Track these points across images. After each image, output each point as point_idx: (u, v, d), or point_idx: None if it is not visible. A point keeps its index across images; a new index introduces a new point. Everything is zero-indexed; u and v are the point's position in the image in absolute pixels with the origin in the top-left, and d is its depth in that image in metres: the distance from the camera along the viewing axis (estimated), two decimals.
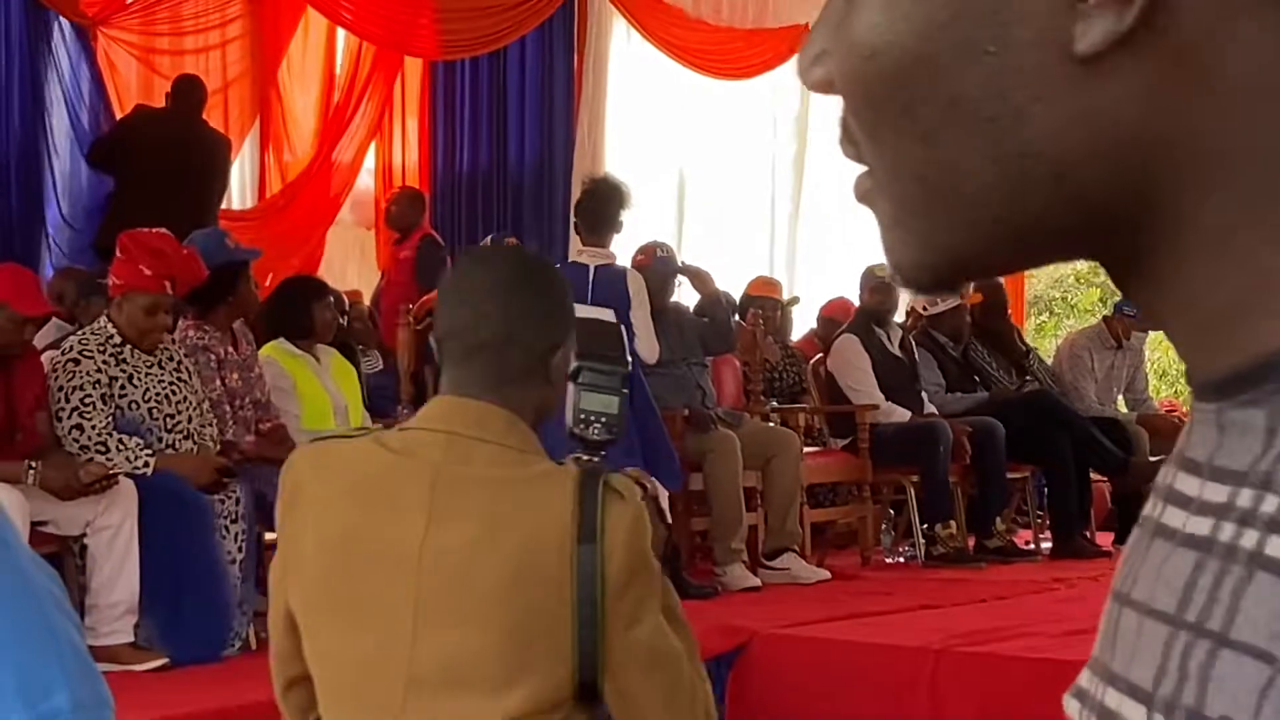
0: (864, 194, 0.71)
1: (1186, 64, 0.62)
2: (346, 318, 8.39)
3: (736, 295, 9.61)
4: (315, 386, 6.93)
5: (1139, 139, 0.64)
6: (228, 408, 6.54)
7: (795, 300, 10.55)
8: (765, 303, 9.51)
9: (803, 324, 10.75)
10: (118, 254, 6.11)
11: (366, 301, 9.90)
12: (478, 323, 2.25)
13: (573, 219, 7.63)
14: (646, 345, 7.14)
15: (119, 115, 9.64)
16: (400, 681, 2.16)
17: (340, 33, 10.99)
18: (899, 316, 9.55)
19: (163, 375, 6.13)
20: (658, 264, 7.90)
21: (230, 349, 6.66)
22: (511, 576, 2.14)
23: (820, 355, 9.45)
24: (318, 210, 10.84)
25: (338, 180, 10.99)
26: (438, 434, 2.21)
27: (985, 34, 0.64)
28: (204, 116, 9.47)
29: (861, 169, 0.71)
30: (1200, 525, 0.65)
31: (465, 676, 2.15)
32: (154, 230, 6.18)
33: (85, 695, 1.07)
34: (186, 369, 6.27)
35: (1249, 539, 0.62)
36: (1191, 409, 0.69)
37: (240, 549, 6.12)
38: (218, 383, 6.53)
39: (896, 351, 9.07)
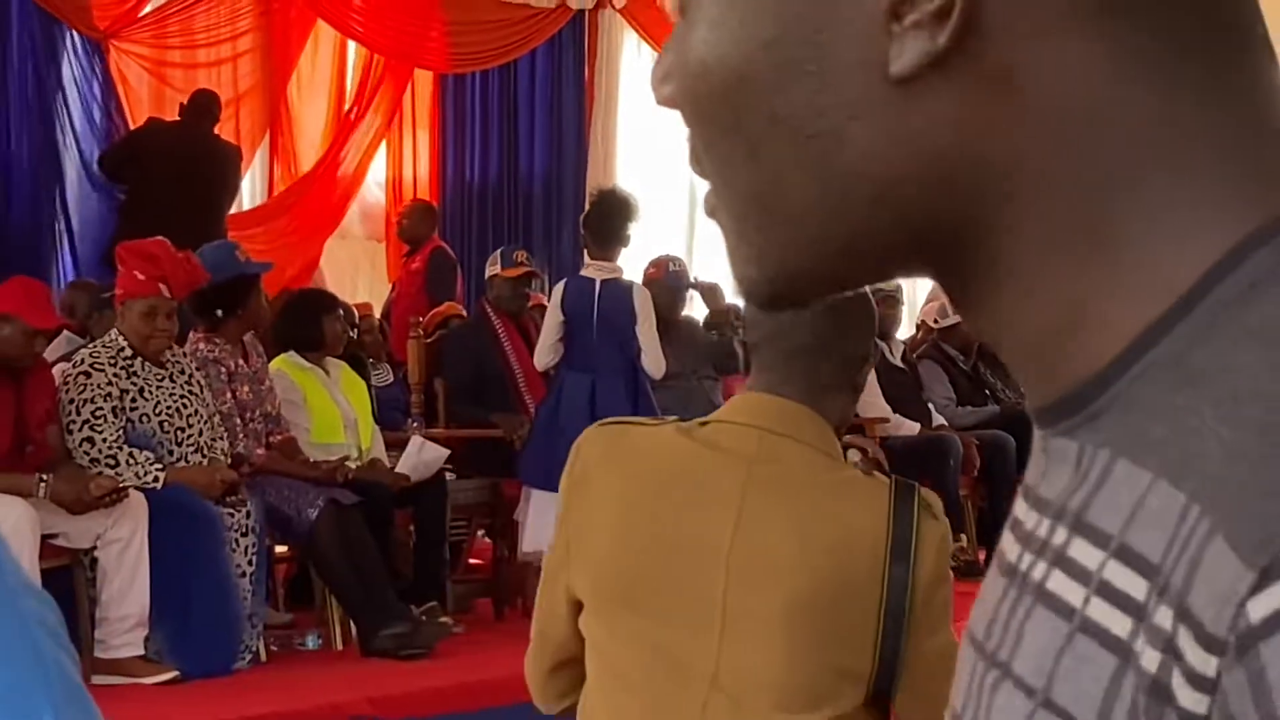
0: (711, 210, 0.71)
1: (1000, 87, 0.62)
2: (357, 330, 8.39)
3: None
4: (325, 399, 6.94)
5: (956, 162, 0.64)
6: (238, 420, 6.55)
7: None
8: None
9: None
10: (118, 267, 6.15)
11: (377, 314, 9.91)
12: (797, 328, 2.22)
13: (581, 232, 7.62)
14: (653, 360, 7.14)
15: (131, 127, 9.66)
16: (704, 682, 2.13)
17: (350, 45, 11.01)
18: (905, 332, 9.55)
19: (174, 389, 6.13)
20: (669, 278, 7.90)
21: (241, 362, 6.67)
22: (821, 584, 2.12)
23: None
24: (319, 218, 10.85)
25: (340, 190, 11.00)
26: (749, 429, 2.18)
27: (806, 53, 0.64)
28: (216, 130, 9.50)
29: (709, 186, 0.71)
30: (1013, 551, 0.66)
31: (769, 684, 2.12)
32: (150, 239, 6.21)
33: (68, 711, 1.04)
34: (197, 382, 6.27)
35: (1039, 571, 0.63)
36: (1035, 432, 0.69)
37: (251, 562, 6.12)
38: (228, 396, 6.54)
39: (899, 364, 9.07)
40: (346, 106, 11.03)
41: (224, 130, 9.73)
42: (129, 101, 9.95)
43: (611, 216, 7.38)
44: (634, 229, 7.31)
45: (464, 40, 11.19)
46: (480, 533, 8.49)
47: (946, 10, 0.61)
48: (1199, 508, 0.55)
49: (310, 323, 7.02)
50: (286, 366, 6.96)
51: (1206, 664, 0.53)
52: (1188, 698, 0.54)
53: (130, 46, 10.03)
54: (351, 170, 11.05)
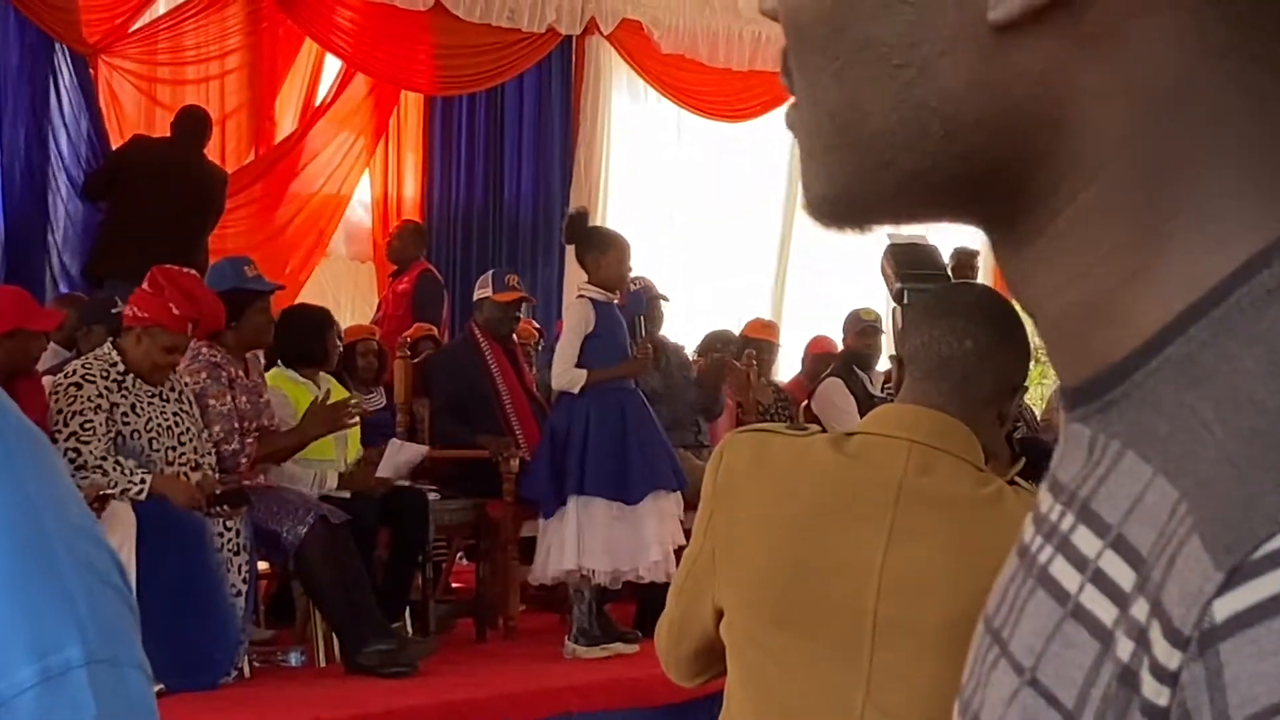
0: (791, 124, 0.73)
1: (1092, 52, 0.63)
2: (356, 354, 8.42)
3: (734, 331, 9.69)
4: None
5: (1033, 117, 0.65)
6: (235, 424, 6.56)
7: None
8: (761, 344, 9.55)
9: (788, 364, 10.80)
10: (144, 286, 6.11)
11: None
12: (959, 338, 2.18)
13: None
14: (558, 371, 7.17)
15: (118, 143, 9.65)
16: (856, 699, 2.09)
17: (334, 65, 11.02)
18: (883, 364, 9.58)
19: (165, 407, 6.13)
20: (631, 298, 7.94)
21: (240, 373, 6.68)
22: (975, 600, 2.08)
23: (807, 401, 9.49)
24: (305, 237, 10.87)
25: (327, 211, 11.02)
26: (899, 441, 2.14)
27: None
28: (204, 149, 9.50)
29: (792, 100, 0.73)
30: (1029, 533, 0.68)
31: (920, 700, 2.07)
32: (183, 270, 6.21)
33: (101, 650, 1.04)
34: (188, 399, 6.28)
35: (1045, 554, 0.65)
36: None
37: (244, 580, 6.13)
38: (228, 398, 6.54)
39: (879, 395, 9.10)
40: (330, 127, 11.01)
41: (210, 147, 9.73)
42: (118, 117, 9.96)
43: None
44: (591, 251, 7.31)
45: (452, 63, 11.22)
46: (459, 555, 8.50)
47: None
48: (1186, 506, 0.57)
49: (314, 338, 7.05)
50: (280, 381, 6.98)
51: (1170, 658, 0.55)
52: (1151, 689, 0.56)
53: (119, 62, 10.04)
54: (338, 190, 11.06)
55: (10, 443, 1.05)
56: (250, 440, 6.59)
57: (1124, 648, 0.57)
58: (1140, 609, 0.57)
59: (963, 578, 2.06)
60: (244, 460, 6.55)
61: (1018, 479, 2.19)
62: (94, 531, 1.09)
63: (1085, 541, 0.62)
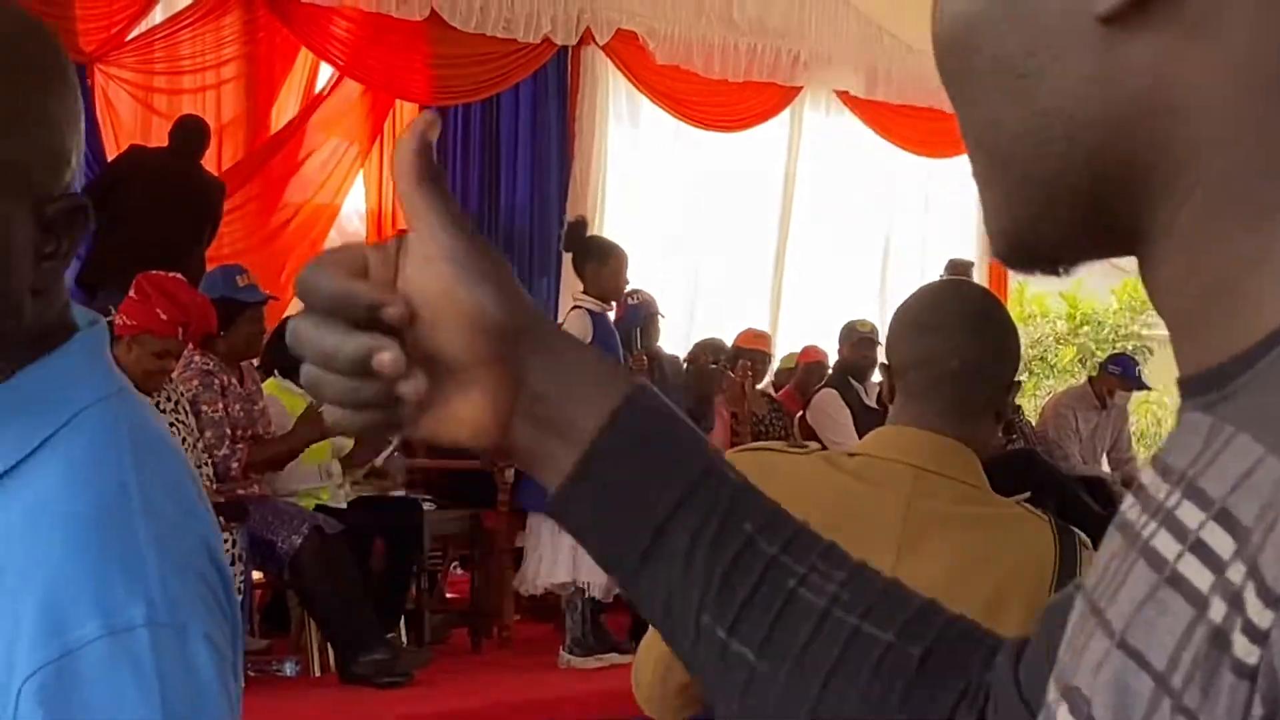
0: (974, 174, 0.76)
1: (1200, 38, 0.66)
2: None
3: (726, 342, 9.70)
4: None
5: (1147, 108, 0.67)
6: (227, 431, 6.56)
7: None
8: (754, 355, 9.56)
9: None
10: (132, 294, 6.10)
11: None
12: (948, 352, 2.18)
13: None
14: None
15: (114, 153, 9.65)
16: None
17: (329, 74, 11.02)
18: (879, 376, 9.57)
19: (161, 417, 6.12)
20: (629, 311, 7.94)
21: (234, 380, 6.68)
22: (984, 619, 2.10)
23: (802, 413, 9.49)
24: (299, 241, 10.87)
25: (321, 219, 11.02)
26: (903, 466, 2.14)
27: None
28: (201, 160, 9.50)
29: None
30: (1133, 513, 0.69)
31: None
32: (169, 275, 6.19)
33: (166, 616, 1.15)
34: (184, 409, 6.28)
35: (1149, 530, 0.66)
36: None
37: (239, 589, 6.12)
38: (220, 406, 6.54)
39: (874, 406, 9.11)
40: (326, 137, 11.01)
41: (207, 158, 9.73)
42: (114, 125, 9.95)
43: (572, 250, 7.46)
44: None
45: (447, 73, 11.22)
46: (454, 565, 8.51)
47: None
48: None
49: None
50: (278, 391, 6.99)
51: (1263, 617, 0.56)
52: (1242, 648, 0.57)
53: (116, 71, 10.04)
54: (331, 200, 11.06)
55: (124, 445, 1.23)
56: (241, 446, 6.59)
57: (1217, 610, 0.59)
58: (1236, 572, 0.58)
59: (973, 595, 2.06)
60: (235, 465, 6.54)
61: (1025, 505, 2.20)
62: (188, 526, 1.23)
63: (1188, 514, 0.63)
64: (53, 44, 1.29)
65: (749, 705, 0.95)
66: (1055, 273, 0.75)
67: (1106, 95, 0.68)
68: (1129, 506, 0.71)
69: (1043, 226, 0.73)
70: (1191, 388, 0.69)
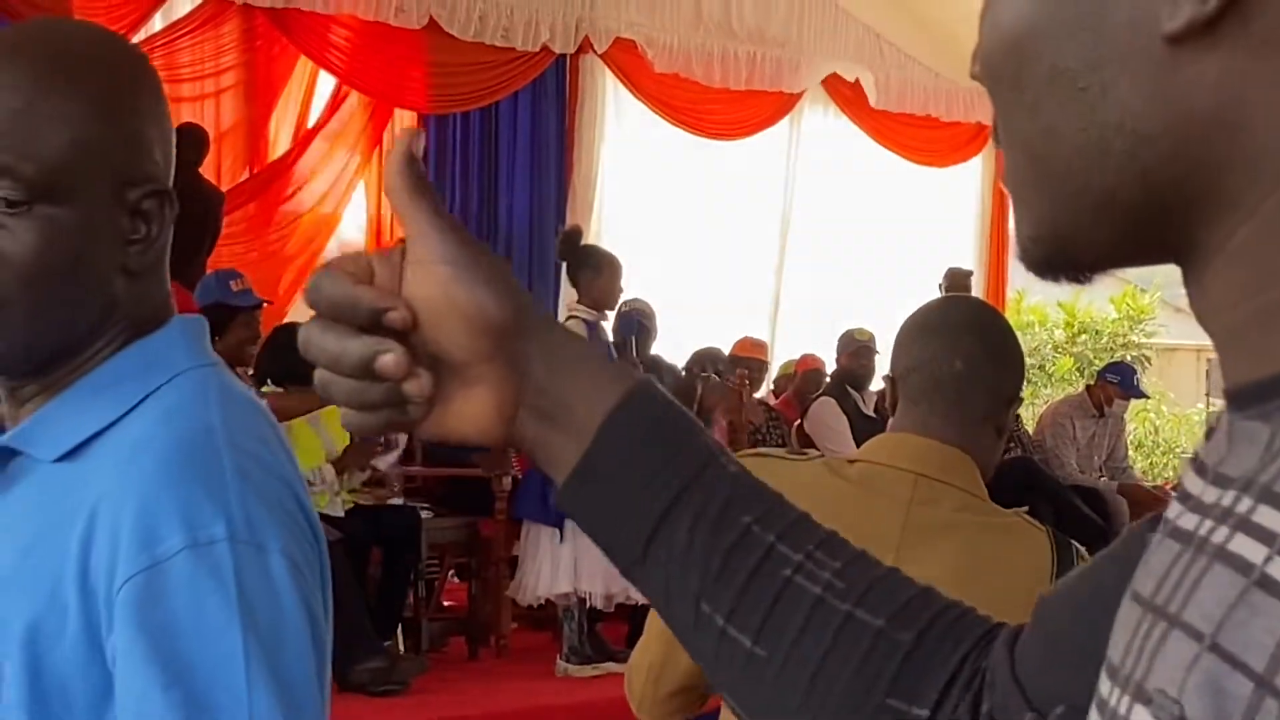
0: (1004, 177, 0.78)
1: (1262, 60, 0.67)
2: None
3: (724, 351, 9.69)
4: (308, 433, 6.95)
5: (1210, 126, 0.68)
6: None
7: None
8: (751, 363, 9.56)
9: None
10: None
11: None
12: (951, 355, 2.19)
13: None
14: None
15: None
16: None
17: (329, 83, 11.02)
18: (876, 384, 9.57)
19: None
20: (622, 321, 7.96)
21: None
22: None
23: (800, 421, 9.49)
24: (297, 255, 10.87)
25: (321, 229, 11.02)
26: (904, 473, 2.16)
27: (1086, 9, 0.70)
28: (200, 168, 9.50)
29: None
30: (1189, 521, 0.70)
31: None
32: None
33: (246, 534, 1.31)
34: None
35: (1220, 535, 0.67)
36: (1221, 413, 0.73)
37: None
38: None
39: (872, 414, 9.11)
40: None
41: (206, 166, 9.73)
42: None
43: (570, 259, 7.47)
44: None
45: (446, 81, 11.22)
46: (451, 573, 8.50)
47: None
48: None
49: (300, 356, 7.04)
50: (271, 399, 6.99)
51: None
52: None
53: None
54: (332, 209, 11.06)
55: (212, 397, 1.41)
56: None
57: None
58: None
59: (970, 601, 2.07)
60: None
61: (1024, 515, 2.20)
62: (269, 463, 1.39)
63: (1270, 519, 0.64)
64: (138, 53, 1.50)
65: (748, 691, 0.98)
66: (1081, 280, 0.77)
67: (1170, 113, 0.69)
68: (1177, 515, 0.72)
69: (1090, 236, 0.74)
70: (1244, 398, 0.70)
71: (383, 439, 7.85)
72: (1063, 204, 0.73)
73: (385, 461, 7.51)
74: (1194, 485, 0.71)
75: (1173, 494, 0.76)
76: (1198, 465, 0.72)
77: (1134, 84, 0.69)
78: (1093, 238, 0.74)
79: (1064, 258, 0.76)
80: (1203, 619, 0.65)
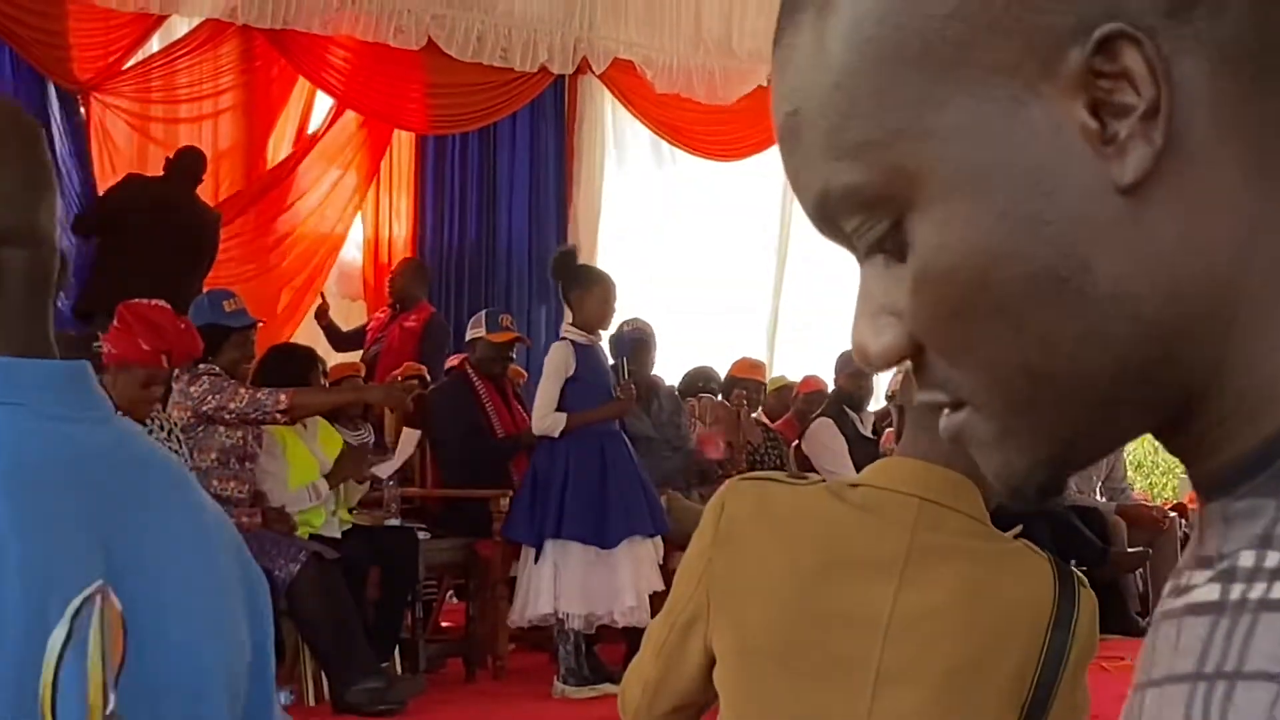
0: (957, 431, 0.75)
1: (1218, 191, 0.67)
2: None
3: (722, 372, 9.69)
4: (303, 452, 6.95)
5: (1188, 269, 0.67)
6: (223, 429, 6.61)
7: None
8: (749, 384, 9.55)
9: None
10: (114, 323, 6.08)
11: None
12: None
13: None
14: (538, 415, 7.19)
15: (111, 181, 9.64)
16: None
17: (326, 104, 11.03)
18: (876, 404, 9.57)
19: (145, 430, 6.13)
20: (618, 338, 7.96)
21: None
22: (979, 654, 2.10)
23: (798, 442, 9.48)
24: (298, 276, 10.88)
25: (323, 250, 11.02)
26: (908, 497, 2.15)
27: (1038, 207, 0.68)
28: (197, 189, 9.50)
29: (953, 419, 0.76)
30: (1210, 593, 0.69)
31: None
32: (152, 302, 6.16)
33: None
34: (177, 438, 6.27)
35: (1257, 590, 0.66)
36: (1200, 513, 0.72)
37: None
38: (242, 393, 6.59)
39: (869, 435, 9.11)
40: (323, 166, 11.01)
41: (204, 187, 9.73)
42: (110, 154, 9.96)
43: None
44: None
45: (445, 102, 11.24)
46: (449, 594, 8.49)
47: (1154, 109, 0.66)
48: None
49: (298, 376, 7.05)
50: None
51: None
52: None
53: (113, 100, 10.05)
54: (332, 230, 11.06)
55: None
56: (234, 469, 6.64)
57: None
58: None
59: (972, 626, 2.09)
60: (243, 519, 6.56)
61: (1026, 542, 2.20)
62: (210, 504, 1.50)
63: None
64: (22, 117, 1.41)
65: None
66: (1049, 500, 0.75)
67: (1151, 268, 0.67)
68: (1194, 592, 0.71)
69: (1096, 431, 0.72)
70: (1227, 480, 0.70)
71: (373, 443, 7.86)
72: (1072, 404, 0.71)
73: (385, 469, 7.49)
74: (1201, 577, 0.71)
75: (1165, 590, 0.74)
76: (1202, 560, 0.71)
77: (1111, 251, 0.67)
78: (1109, 426, 0.72)
79: (1070, 468, 0.74)
80: (1271, 661, 0.65)
